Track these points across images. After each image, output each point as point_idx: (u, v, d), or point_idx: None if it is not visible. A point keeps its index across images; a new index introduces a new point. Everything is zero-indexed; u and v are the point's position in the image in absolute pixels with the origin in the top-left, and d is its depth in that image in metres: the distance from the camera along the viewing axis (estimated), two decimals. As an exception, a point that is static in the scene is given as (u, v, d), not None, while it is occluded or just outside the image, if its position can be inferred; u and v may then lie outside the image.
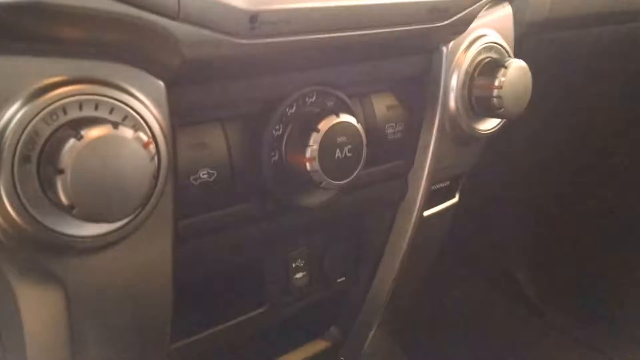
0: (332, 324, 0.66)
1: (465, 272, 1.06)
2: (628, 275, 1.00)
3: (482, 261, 1.09)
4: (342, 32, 0.38)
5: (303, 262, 0.54)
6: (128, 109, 0.32)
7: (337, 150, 0.40)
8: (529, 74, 0.51)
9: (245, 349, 0.57)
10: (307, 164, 0.40)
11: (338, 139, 0.40)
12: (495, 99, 0.50)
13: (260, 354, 0.61)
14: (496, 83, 0.50)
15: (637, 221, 0.99)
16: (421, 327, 0.91)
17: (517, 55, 0.54)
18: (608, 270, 1.02)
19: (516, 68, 0.51)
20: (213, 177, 0.40)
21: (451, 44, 0.50)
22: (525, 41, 0.57)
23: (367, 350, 0.70)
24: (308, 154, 0.39)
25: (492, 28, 0.54)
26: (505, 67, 0.50)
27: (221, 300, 0.51)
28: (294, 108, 0.42)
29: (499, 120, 0.55)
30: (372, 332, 0.68)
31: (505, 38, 0.55)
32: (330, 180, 0.40)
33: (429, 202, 0.57)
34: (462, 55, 0.51)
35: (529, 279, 1.10)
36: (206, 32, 0.32)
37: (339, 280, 0.58)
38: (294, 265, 0.54)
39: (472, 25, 0.48)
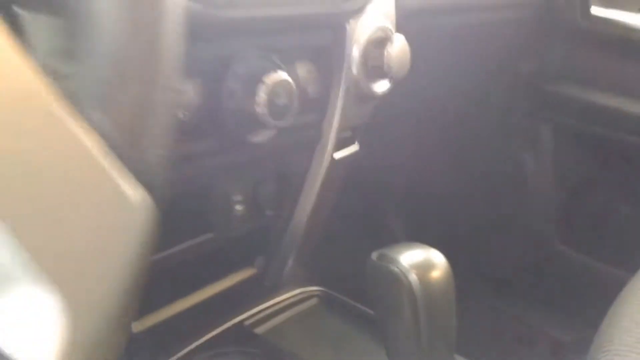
0: (259, 254, 0.81)
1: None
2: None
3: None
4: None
5: (241, 196, 0.69)
6: None
7: (278, 99, 0.56)
8: (407, 46, 0.69)
9: (182, 276, 0.70)
10: (257, 108, 0.55)
11: (279, 91, 0.56)
12: (385, 66, 0.68)
13: (197, 280, 0.74)
14: (385, 54, 0.67)
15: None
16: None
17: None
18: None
19: (399, 41, 0.68)
20: (187, 117, 0.54)
21: (351, 22, 0.67)
22: (408, 23, 0.75)
23: (285, 277, 0.86)
24: (259, 100, 0.54)
25: (380, 13, 0.71)
26: (391, 42, 0.68)
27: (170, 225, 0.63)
28: (245, 65, 0.57)
29: (389, 83, 0.72)
30: (290, 261, 0.83)
31: (390, 20, 0.72)
32: (273, 121, 0.56)
33: (337, 147, 0.73)
34: (360, 31, 0.68)
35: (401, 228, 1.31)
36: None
37: (268, 213, 0.73)
38: (234, 198, 0.68)
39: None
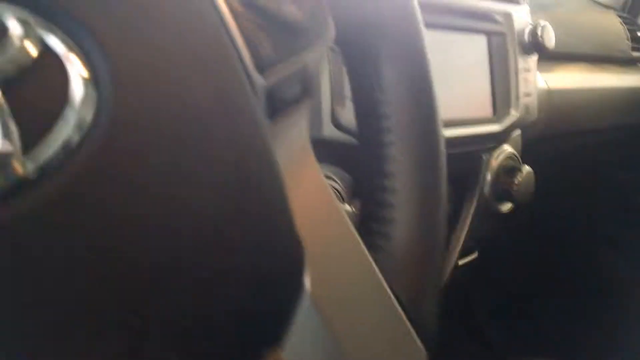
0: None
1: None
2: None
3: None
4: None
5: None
6: None
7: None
8: (533, 175, 0.80)
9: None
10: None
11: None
12: (514, 191, 0.78)
13: None
14: (516, 181, 0.78)
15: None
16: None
17: (523, 158, 0.82)
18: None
19: (527, 171, 0.79)
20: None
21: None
22: (530, 149, 0.86)
23: None
24: None
25: (509, 143, 0.82)
26: (521, 171, 0.78)
27: None
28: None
29: (513, 205, 0.82)
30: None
31: (517, 149, 0.83)
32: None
33: (460, 256, 0.84)
34: (494, 161, 0.79)
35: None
36: None
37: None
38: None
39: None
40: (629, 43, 1.22)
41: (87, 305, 0.18)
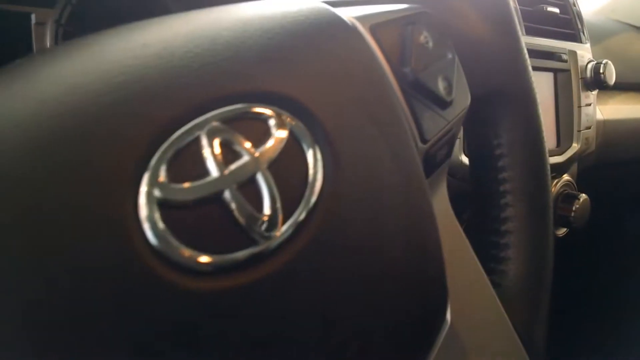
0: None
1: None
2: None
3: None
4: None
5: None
6: None
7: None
8: (589, 202, 0.84)
9: None
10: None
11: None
12: (572, 217, 0.82)
13: None
14: (574, 208, 0.82)
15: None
16: None
17: (578, 186, 0.87)
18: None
19: (584, 199, 0.83)
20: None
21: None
22: (585, 176, 0.90)
23: None
24: None
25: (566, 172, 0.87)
26: (578, 199, 0.83)
27: None
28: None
29: (568, 229, 0.87)
30: None
31: (573, 177, 0.87)
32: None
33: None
34: (553, 189, 0.84)
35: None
36: None
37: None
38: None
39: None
40: (676, 71, 1.26)
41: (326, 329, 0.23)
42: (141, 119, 0.20)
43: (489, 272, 0.37)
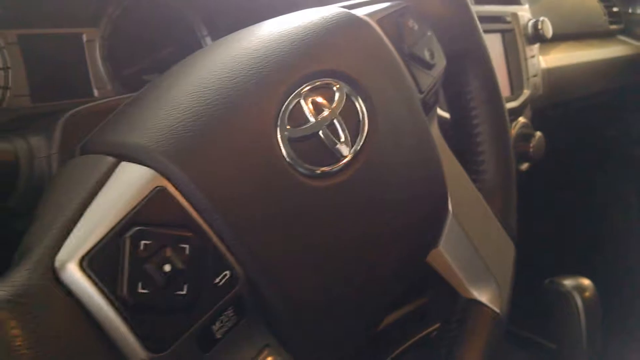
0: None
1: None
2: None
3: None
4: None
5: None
6: None
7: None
8: (544, 139, 1.00)
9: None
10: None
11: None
12: (531, 152, 0.99)
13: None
14: (531, 144, 0.99)
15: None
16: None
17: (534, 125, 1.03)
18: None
19: (539, 136, 1.00)
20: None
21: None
22: (538, 117, 1.07)
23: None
24: None
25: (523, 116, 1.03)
26: (534, 136, 0.99)
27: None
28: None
29: (529, 163, 1.03)
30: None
31: (528, 119, 1.04)
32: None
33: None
34: (513, 130, 1.00)
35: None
36: None
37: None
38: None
39: (518, 116, 0.98)
40: (607, 18, 1.43)
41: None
42: (273, 87, 0.34)
43: (472, 176, 0.52)
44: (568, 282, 0.80)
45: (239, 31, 0.41)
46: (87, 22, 0.62)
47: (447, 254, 0.47)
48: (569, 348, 0.80)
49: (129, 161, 0.30)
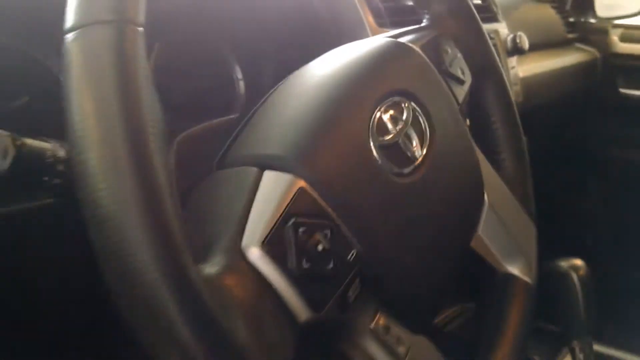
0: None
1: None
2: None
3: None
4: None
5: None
6: None
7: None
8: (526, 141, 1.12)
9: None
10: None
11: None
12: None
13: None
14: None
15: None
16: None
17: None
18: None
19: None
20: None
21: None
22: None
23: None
24: None
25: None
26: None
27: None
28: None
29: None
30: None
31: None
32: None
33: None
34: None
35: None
36: None
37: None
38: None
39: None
40: (564, 28, 1.58)
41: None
42: (366, 105, 0.44)
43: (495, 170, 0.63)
44: (564, 264, 0.91)
45: (317, 60, 0.50)
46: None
47: (485, 237, 0.56)
48: (570, 324, 0.90)
49: (270, 170, 0.39)
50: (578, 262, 0.92)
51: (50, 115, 0.38)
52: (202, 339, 0.29)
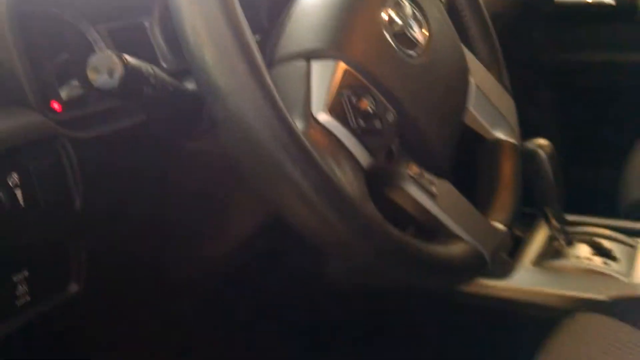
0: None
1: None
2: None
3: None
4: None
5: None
6: None
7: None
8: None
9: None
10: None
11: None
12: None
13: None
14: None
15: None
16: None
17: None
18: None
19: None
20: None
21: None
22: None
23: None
24: None
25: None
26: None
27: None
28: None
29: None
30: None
31: None
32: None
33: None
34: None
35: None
36: None
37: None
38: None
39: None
40: None
41: None
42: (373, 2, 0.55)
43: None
44: (530, 144, 1.04)
45: None
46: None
47: (474, 111, 0.68)
48: (542, 196, 1.04)
49: (315, 59, 0.50)
50: (543, 140, 1.05)
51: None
52: (307, 177, 0.40)
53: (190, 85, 0.57)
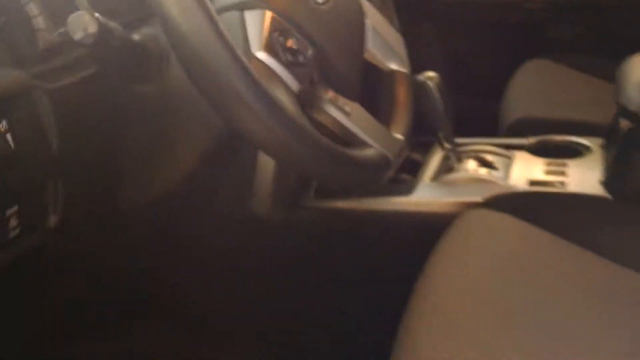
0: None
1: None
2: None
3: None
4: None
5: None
6: None
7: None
8: None
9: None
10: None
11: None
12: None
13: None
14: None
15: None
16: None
17: None
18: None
19: None
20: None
21: None
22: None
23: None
24: None
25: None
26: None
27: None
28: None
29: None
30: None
31: None
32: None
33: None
34: None
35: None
36: None
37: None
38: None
39: None
40: None
41: None
42: None
43: None
44: (420, 76, 1.20)
45: None
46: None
47: (372, 49, 0.83)
48: (434, 122, 1.20)
49: (248, 9, 0.61)
50: (431, 73, 1.22)
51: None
52: (255, 94, 0.52)
53: (136, 37, 0.67)
